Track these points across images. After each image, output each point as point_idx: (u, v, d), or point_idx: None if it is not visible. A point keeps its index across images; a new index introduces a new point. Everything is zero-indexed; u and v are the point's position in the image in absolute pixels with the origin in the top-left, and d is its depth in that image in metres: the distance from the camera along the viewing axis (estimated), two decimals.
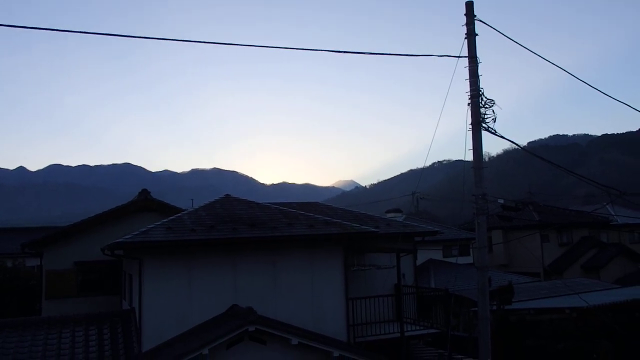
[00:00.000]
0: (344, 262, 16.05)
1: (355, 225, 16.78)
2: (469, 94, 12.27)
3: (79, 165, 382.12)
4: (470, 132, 12.31)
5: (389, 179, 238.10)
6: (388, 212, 39.51)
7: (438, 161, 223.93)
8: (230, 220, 15.50)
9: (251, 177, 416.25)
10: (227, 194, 18.91)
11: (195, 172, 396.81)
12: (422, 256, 29.78)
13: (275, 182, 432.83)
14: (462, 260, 33.30)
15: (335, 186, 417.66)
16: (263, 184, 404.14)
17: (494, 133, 12.27)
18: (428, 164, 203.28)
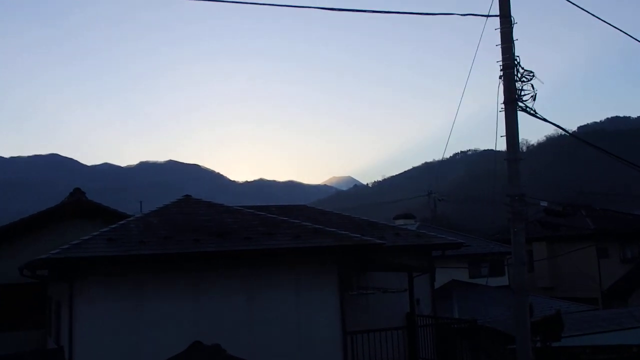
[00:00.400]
0: (339, 284, 16.05)
1: (354, 235, 16.79)
2: (500, 64, 12.31)
3: None
4: (503, 113, 12.35)
5: (397, 175, 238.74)
6: (397, 218, 39.57)
7: (461, 151, 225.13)
8: (190, 229, 15.45)
9: (218, 173, 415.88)
10: (186, 195, 18.83)
11: (144, 166, 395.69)
12: (442, 276, 29.78)
13: (250, 179, 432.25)
14: (493, 281, 33.37)
15: (328, 184, 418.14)
16: (234, 181, 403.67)
17: (534, 114, 12.32)
18: (448, 155, 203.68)
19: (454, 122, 14.68)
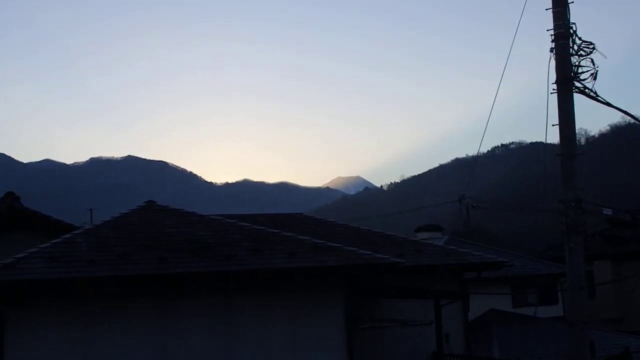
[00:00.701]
0: (346, 314, 16.01)
1: (364, 252, 16.74)
2: (552, 33, 12.28)
3: None
4: (555, 95, 12.33)
5: (419, 175, 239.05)
6: (419, 229, 39.56)
7: (501, 145, 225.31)
8: (154, 244, 15.41)
9: (191, 173, 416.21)
10: (150, 200, 18.79)
11: (96, 164, 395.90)
12: (478, 304, 29.80)
13: (232, 180, 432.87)
14: (544, 311, 33.34)
15: (331, 187, 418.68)
16: (211, 183, 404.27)
17: (595, 97, 12.31)
18: (485, 149, 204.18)
19: (492, 109, 14.68)
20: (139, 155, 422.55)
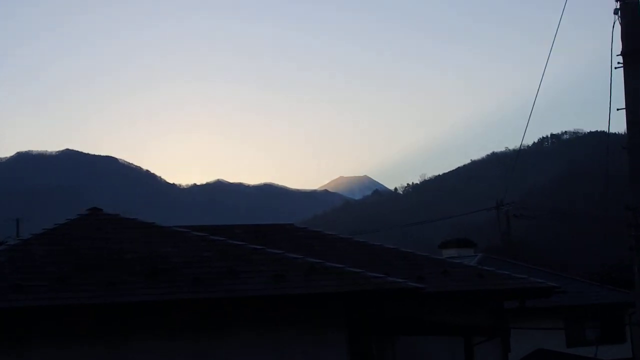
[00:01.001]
0: (350, 356, 16.05)
1: (374, 275, 16.75)
2: None
3: None
4: (621, 70, 12.34)
5: (444, 175, 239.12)
6: (446, 245, 39.57)
7: (551, 135, 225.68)
8: (100, 265, 15.41)
9: (148, 172, 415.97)
10: (94, 207, 18.79)
11: (25, 160, 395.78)
12: (522, 343, 29.88)
13: (201, 181, 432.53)
14: (607, 351, 33.42)
15: (330, 189, 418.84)
16: (174, 184, 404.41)
17: None
18: (530, 141, 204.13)
19: (538, 90, 14.66)
20: (80, 149, 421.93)
